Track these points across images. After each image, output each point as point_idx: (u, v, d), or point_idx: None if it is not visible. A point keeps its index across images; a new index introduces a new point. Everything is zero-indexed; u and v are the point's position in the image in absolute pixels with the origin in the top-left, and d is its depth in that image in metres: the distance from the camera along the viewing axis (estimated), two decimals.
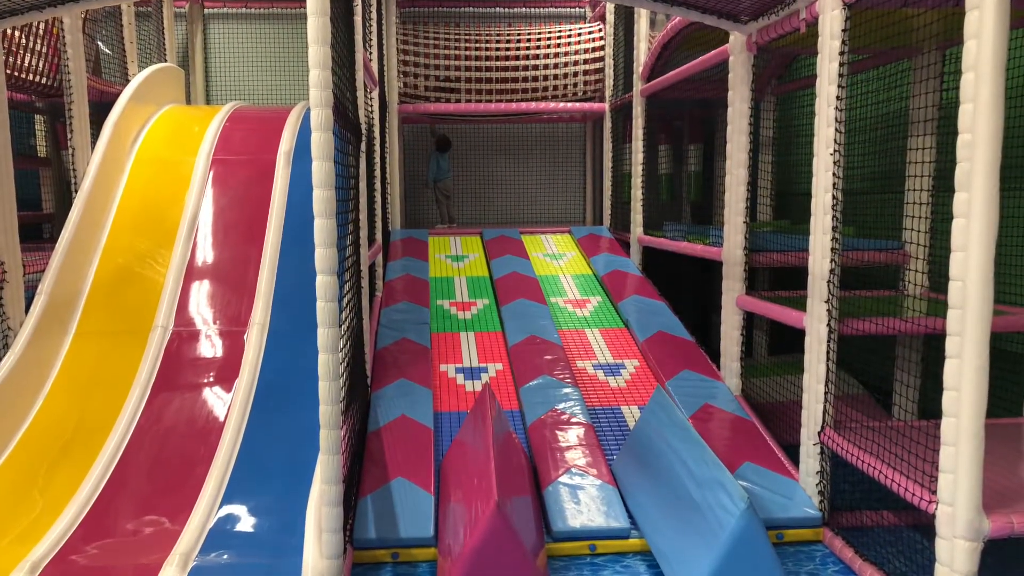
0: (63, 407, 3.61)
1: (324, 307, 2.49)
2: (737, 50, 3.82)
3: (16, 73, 4.56)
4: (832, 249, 3.00)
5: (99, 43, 5.73)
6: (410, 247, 5.81)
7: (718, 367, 4.13)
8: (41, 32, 4.76)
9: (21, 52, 4.61)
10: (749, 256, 3.92)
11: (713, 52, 4.13)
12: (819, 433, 3.10)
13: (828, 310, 3.04)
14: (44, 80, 4.84)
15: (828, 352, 3.06)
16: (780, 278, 4.95)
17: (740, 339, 3.96)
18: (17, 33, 4.57)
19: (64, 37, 4.80)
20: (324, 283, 2.48)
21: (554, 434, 3.47)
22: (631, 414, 3.79)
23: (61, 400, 3.65)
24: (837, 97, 2.93)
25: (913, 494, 2.43)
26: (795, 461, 3.31)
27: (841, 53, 2.92)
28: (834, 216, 2.99)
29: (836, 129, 2.95)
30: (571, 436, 3.46)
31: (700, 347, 4.38)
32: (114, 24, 5.85)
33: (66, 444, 3.41)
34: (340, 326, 2.62)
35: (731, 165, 3.91)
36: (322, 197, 2.45)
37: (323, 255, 2.47)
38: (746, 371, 4.05)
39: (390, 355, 4.19)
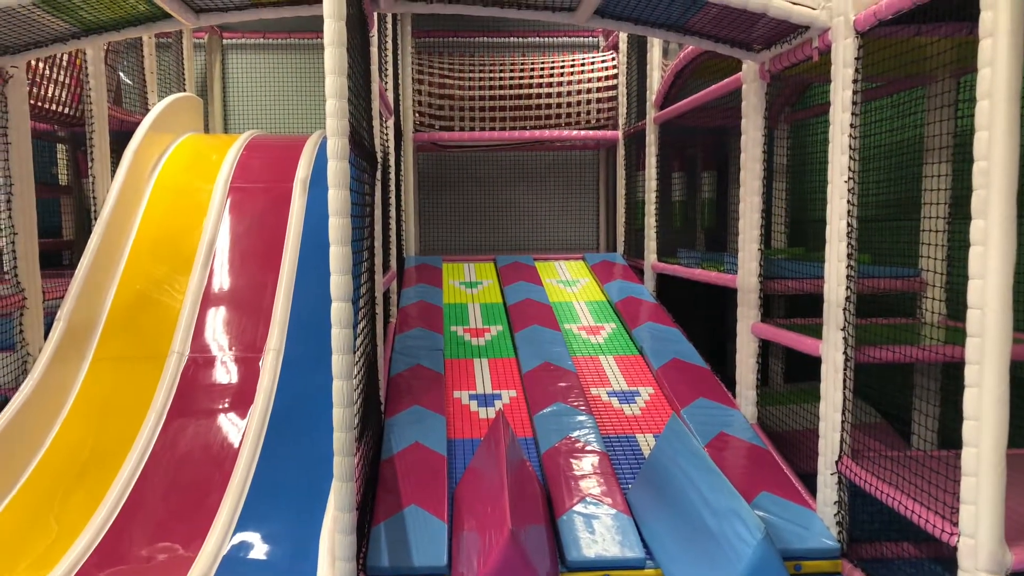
0: (80, 432, 3.64)
1: (339, 334, 2.50)
2: (750, 78, 3.84)
3: (39, 103, 4.64)
4: (847, 276, 2.99)
5: (120, 73, 5.83)
6: (424, 274, 5.84)
7: (733, 395, 4.10)
8: (64, 63, 4.86)
9: (44, 82, 4.70)
10: (764, 283, 3.90)
11: (726, 80, 4.15)
12: (836, 462, 3.06)
13: (844, 338, 3.01)
14: (66, 110, 4.93)
15: (845, 380, 3.03)
16: (795, 305, 4.92)
17: (756, 367, 3.93)
18: (41, 64, 4.66)
19: (87, 68, 4.91)
20: (339, 310, 2.50)
21: (568, 462, 3.44)
22: (646, 442, 3.76)
23: (78, 425, 3.68)
24: (851, 125, 2.94)
25: (934, 526, 2.39)
26: (812, 490, 3.27)
27: (854, 81, 2.93)
28: (849, 243, 2.98)
29: (850, 157, 2.95)
30: (586, 464, 3.44)
31: (715, 375, 4.35)
32: (135, 54, 5.96)
33: (82, 469, 3.43)
34: (355, 353, 2.63)
35: (745, 192, 3.91)
36: (338, 225, 2.47)
37: (338, 282, 2.49)
38: (762, 399, 4.02)
39: (404, 381, 4.19)
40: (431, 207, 6.94)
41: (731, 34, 3.62)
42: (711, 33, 3.67)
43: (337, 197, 2.47)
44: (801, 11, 3.10)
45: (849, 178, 2.96)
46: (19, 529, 3.07)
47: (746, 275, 3.94)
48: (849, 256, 2.98)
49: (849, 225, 2.97)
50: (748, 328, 3.94)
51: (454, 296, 5.49)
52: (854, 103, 2.93)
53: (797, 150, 5.32)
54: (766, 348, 4.13)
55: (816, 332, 3.26)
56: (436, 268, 5.99)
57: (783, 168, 5.07)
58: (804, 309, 4.23)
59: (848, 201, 2.97)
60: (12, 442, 3.37)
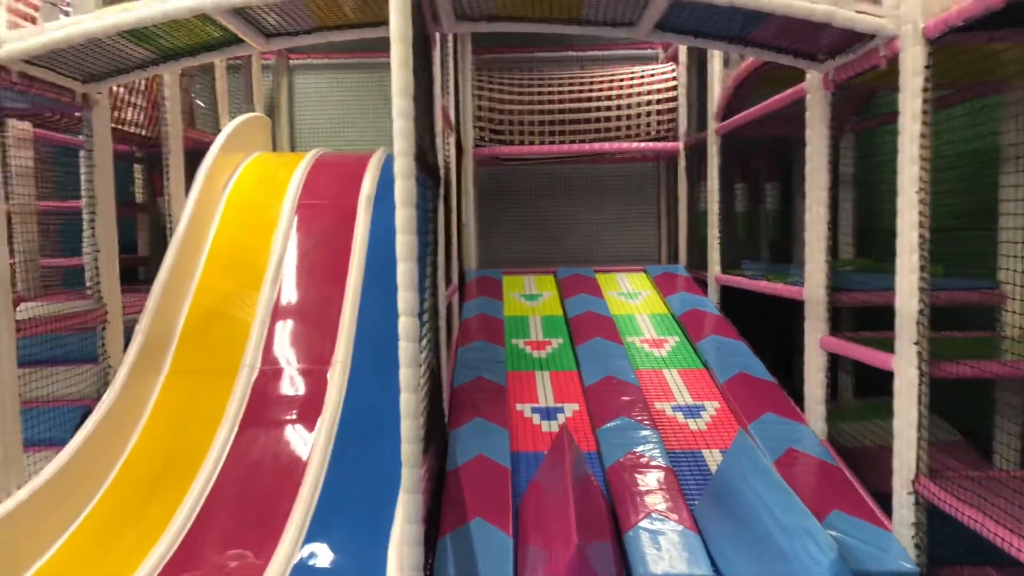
0: (156, 442, 3.77)
1: (406, 347, 2.54)
2: (814, 88, 3.78)
3: (118, 126, 4.85)
4: (920, 289, 2.91)
5: (193, 96, 6.05)
6: (485, 286, 5.88)
7: (802, 410, 4.02)
8: (140, 87, 5.06)
9: (123, 106, 4.90)
10: (832, 295, 3.82)
11: (789, 91, 4.09)
12: (913, 482, 2.97)
13: (918, 352, 2.93)
14: (143, 132, 5.12)
15: (919, 395, 2.95)
16: (864, 318, 4.80)
17: (824, 381, 3.85)
18: (120, 89, 4.87)
19: (163, 91, 5.11)
20: (407, 324, 2.54)
21: (633, 477, 3.42)
22: (712, 458, 3.72)
23: (155, 436, 3.81)
24: (921, 134, 2.87)
25: (1019, 550, 2.30)
26: (887, 510, 3.18)
27: (924, 90, 2.86)
28: (922, 255, 2.90)
29: (921, 167, 2.88)
30: (651, 480, 3.41)
31: (783, 389, 4.27)
32: (207, 77, 6.18)
33: (158, 478, 3.55)
34: (420, 366, 2.67)
35: (811, 203, 3.85)
36: (405, 242, 2.51)
37: (406, 297, 2.53)
38: (831, 414, 3.92)
39: (466, 394, 4.22)
40: (490, 220, 6.99)
41: (794, 45, 3.58)
42: (773, 44, 3.63)
43: (404, 215, 2.51)
44: (867, 20, 3.04)
45: (920, 188, 2.89)
46: (100, 535, 3.19)
47: (813, 287, 3.86)
48: (922, 268, 2.91)
49: (921, 236, 2.90)
50: (816, 342, 3.86)
51: (515, 308, 5.52)
52: (924, 112, 2.86)
53: (864, 159, 5.20)
54: (835, 362, 4.04)
55: (887, 346, 3.17)
56: (496, 281, 6.03)
57: (849, 178, 4.96)
58: (873, 322, 4.12)
59: (920, 212, 2.90)
60: (95, 452, 3.52)
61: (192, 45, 3.70)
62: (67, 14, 3.63)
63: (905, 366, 3.00)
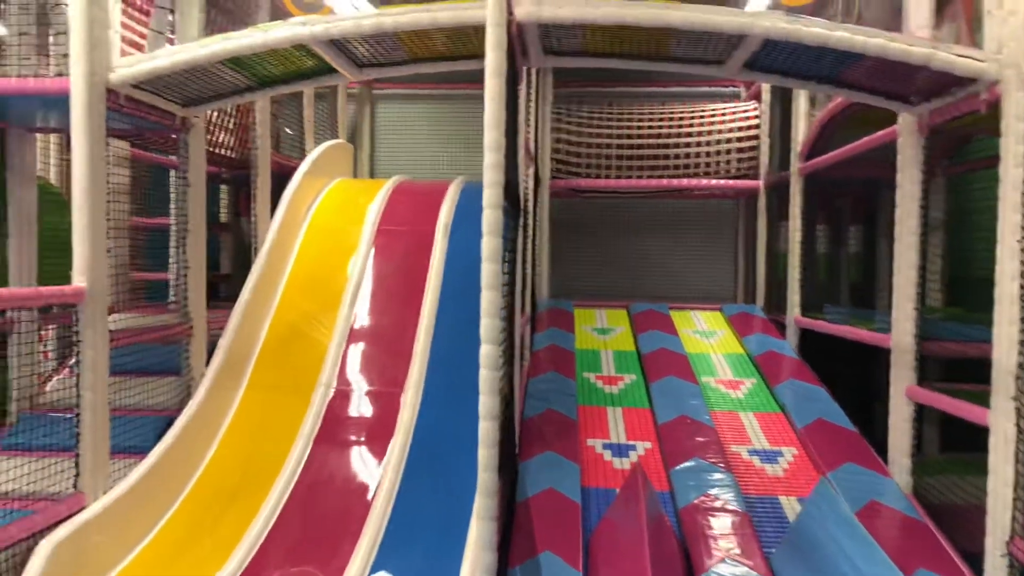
0: (234, 455, 3.87)
1: (486, 376, 2.56)
2: (907, 132, 3.69)
3: (210, 148, 5.03)
4: (1021, 342, 2.79)
5: (280, 121, 6.24)
6: (556, 317, 5.87)
7: (884, 461, 3.87)
8: (233, 112, 5.26)
9: (215, 129, 5.09)
10: (920, 344, 3.69)
11: (880, 133, 4.00)
12: (1007, 543, 2.82)
13: (1017, 408, 2.80)
14: (232, 154, 5.30)
15: (1017, 453, 2.81)
16: (953, 369, 4.60)
17: (911, 432, 3.70)
18: (213, 113, 5.07)
19: (255, 116, 5.30)
20: (488, 352, 2.56)
21: (707, 520, 3.34)
22: (790, 505, 3.60)
23: (232, 448, 3.91)
24: None
25: None
26: (975, 571, 3.02)
27: None
28: (1022, 306, 2.78)
29: (1023, 215, 2.78)
30: (726, 523, 3.32)
31: (864, 439, 4.12)
32: (295, 103, 6.39)
33: (234, 490, 3.63)
34: (499, 394, 2.67)
35: (900, 248, 3.74)
36: (490, 271, 2.54)
37: (489, 325, 2.55)
38: (915, 468, 3.76)
39: (536, 426, 4.20)
40: (563, 251, 6.99)
41: (887, 87, 3.50)
42: (865, 86, 3.56)
43: (490, 244, 2.54)
44: (967, 63, 2.96)
45: (1022, 237, 2.78)
46: (178, 543, 3.27)
47: (901, 334, 3.74)
48: (1022, 320, 2.79)
49: (1022, 287, 2.78)
50: (902, 391, 3.73)
51: (586, 342, 5.48)
52: None
53: (956, 204, 5.02)
54: (919, 413, 3.88)
55: (980, 399, 3.04)
56: (568, 313, 6.02)
57: (939, 223, 4.79)
58: (963, 374, 3.95)
59: (1021, 262, 2.78)
60: (175, 461, 3.62)
61: (287, 73, 3.83)
62: (171, 42, 3.83)
63: (1002, 421, 2.87)
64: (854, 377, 5.38)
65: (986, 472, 2.97)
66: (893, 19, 3.72)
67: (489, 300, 2.56)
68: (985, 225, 4.60)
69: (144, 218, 5.06)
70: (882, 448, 3.93)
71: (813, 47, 3.10)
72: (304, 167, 5.41)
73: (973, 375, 3.72)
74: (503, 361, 3.10)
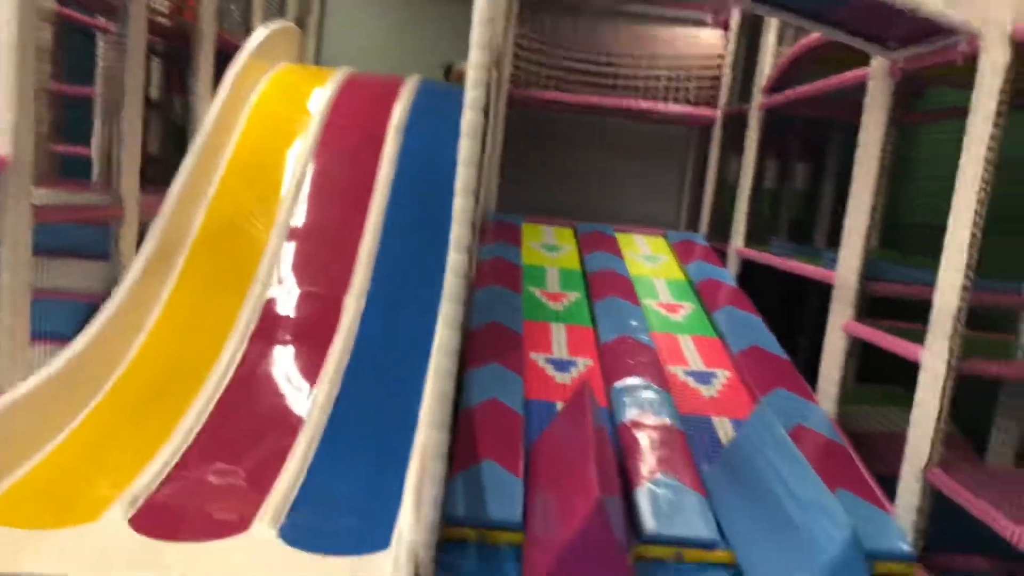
0: (163, 348, 3.70)
1: (454, 282, 2.51)
2: (879, 75, 3.72)
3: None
4: (964, 287, 2.93)
5: None
6: (504, 231, 5.83)
7: (813, 389, 4.05)
8: None
9: None
10: (863, 282, 3.83)
11: (849, 73, 4.02)
12: (923, 470, 3.03)
13: (951, 348, 2.96)
14: (167, 22, 4.87)
15: (944, 389, 2.99)
16: (876, 308, 4.83)
17: (843, 364, 3.88)
18: None
19: None
20: (457, 261, 2.51)
21: (644, 436, 3.45)
22: (721, 425, 3.75)
23: (162, 340, 3.73)
24: (991, 137, 2.84)
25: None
26: (887, 494, 3.25)
27: (1002, 92, 2.82)
28: (970, 254, 2.91)
29: (985, 168, 2.87)
30: (661, 440, 3.44)
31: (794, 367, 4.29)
32: None
33: (162, 387, 3.46)
34: (462, 302, 2.64)
35: (857, 188, 3.82)
36: (468, 175, 2.46)
37: (460, 234, 2.49)
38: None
39: (482, 336, 4.21)
40: (513, 164, 6.89)
41: (868, 29, 3.50)
42: (846, 25, 3.55)
43: (469, 147, 2.47)
44: (953, 15, 2.98)
45: (981, 189, 2.87)
46: (100, 441, 3.11)
47: (846, 272, 3.86)
48: (968, 267, 2.92)
49: (973, 236, 2.90)
50: (840, 325, 3.88)
51: (533, 258, 5.48)
52: (998, 114, 2.83)
53: (900, 153, 5.15)
54: (852, 347, 4.06)
55: (916, 337, 3.20)
56: (516, 227, 5.98)
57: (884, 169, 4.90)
58: (885, 311, 4.14)
59: (976, 212, 2.89)
60: (101, 350, 3.44)
61: None
62: None
63: (934, 359, 3.03)
64: (783, 308, 5.59)
65: (900, 404, 3.15)
66: None
67: (462, 208, 2.49)
68: (928, 174, 4.75)
69: (61, 85, 4.66)
70: (807, 379, 4.11)
71: None
72: (251, 45, 5.09)
73: (896, 313, 3.92)
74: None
